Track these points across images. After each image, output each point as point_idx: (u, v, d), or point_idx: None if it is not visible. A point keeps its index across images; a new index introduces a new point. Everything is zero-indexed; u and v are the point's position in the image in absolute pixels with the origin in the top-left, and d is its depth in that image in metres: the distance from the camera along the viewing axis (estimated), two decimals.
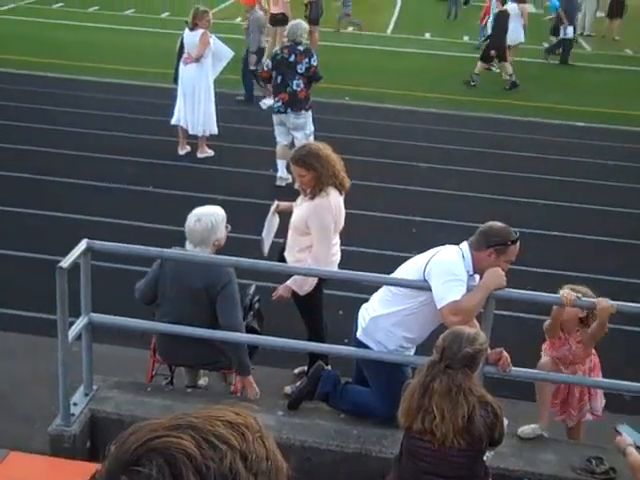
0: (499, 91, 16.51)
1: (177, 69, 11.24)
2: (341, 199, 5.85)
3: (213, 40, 10.95)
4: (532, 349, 5.40)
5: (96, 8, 22.50)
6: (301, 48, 9.87)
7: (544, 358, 5.23)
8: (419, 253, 5.11)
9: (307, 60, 9.78)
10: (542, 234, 9.26)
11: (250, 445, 1.21)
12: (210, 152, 11.27)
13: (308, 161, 5.69)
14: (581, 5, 21.65)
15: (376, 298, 5.23)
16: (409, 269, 5.04)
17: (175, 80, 11.32)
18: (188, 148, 11.29)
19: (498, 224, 4.97)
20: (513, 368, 4.93)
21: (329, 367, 5.58)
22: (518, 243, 4.89)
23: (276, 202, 6.32)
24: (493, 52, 16.76)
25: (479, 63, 16.94)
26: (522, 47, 17.96)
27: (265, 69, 10.24)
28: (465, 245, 4.92)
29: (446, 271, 4.79)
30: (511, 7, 17.22)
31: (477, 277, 4.96)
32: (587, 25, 23.34)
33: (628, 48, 21.40)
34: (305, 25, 10.31)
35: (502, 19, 16.78)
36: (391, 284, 5.12)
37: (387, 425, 5.01)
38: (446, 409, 3.89)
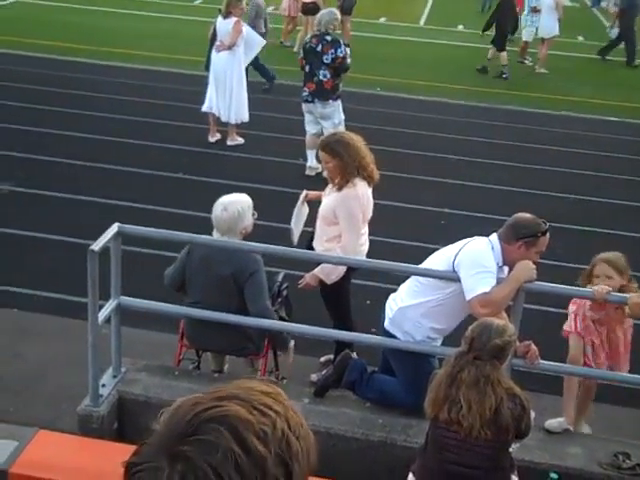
0: (531, 84, 16.40)
1: (209, 57, 11.26)
2: (369, 190, 5.84)
3: (245, 28, 10.96)
4: (560, 343, 5.37)
5: None
6: (329, 38, 9.79)
7: (572, 341, 5.21)
8: (448, 245, 5.10)
9: (333, 51, 9.69)
10: (573, 229, 9.20)
11: (288, 412, 1.25)
12: (240, 140, 11.30)
13: (335, 148, 5.69)
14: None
15: (404, 288, 5.23)
16: (438, 260, 5.03)
17: (207, 67, 11.35)
18: (218, 136, 11.32)
19: (527, 215, 4.95)
20: (541, 361, 4.91)
21: (354, 355, 5.60)
22: (548, 234, 4.86)
23: (305, 191, 6.33)
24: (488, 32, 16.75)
25: (500, 54, 16.83)
26: (557, 40, 17.78)
27: (299, 57, 10.25)
28: (495, 237, 4.90)
29: (476, 262, 4.78)
30: (546, 0, 17.08)
31: (506, 269, 4.94)
32: None
33: None
34: (335, 15, 10.14)
35: (504, 5, 16.63)
36: (420, 274, 5.12)
37: (413, 415, 5.02)
38: (473, 400, 3.89)
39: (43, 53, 15.37)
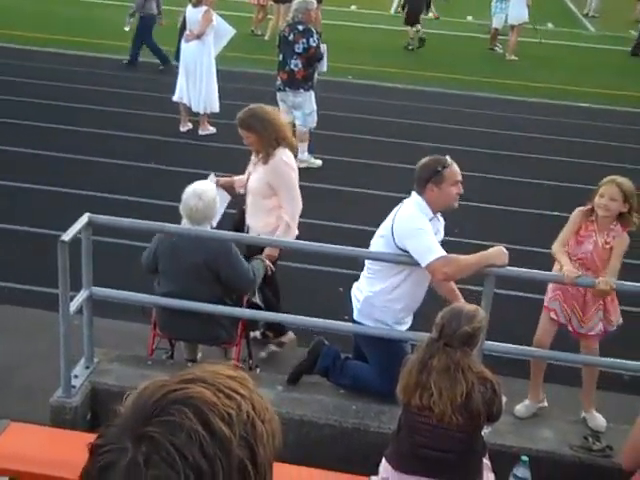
0: (503, 71, 16.47)
1: (179, 46, 11.21)
2: (293, 157, 5.95)
3: (215, 17, 10.91)
4: (530, 327, 5.41)
5: None
6: (300, 27, 9.75)
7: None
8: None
9: (305, 40, 9.67)
10: (545, 214, 9.26)
11: (254, 395, 1.25)
12: (212, 129, 11.25)
13: (251, 123, 5.80)
14: None
15: (363, 278, 5.25)
16: (379, 242, 5.03)
17: (177, 57, 11.29)
18: (190, 125, 11.27)
19: (427, 159, 5.03)
20: (510, 345, 4.96)
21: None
22: (454, 165, 4.92)
23: (213, 176, 6.29)
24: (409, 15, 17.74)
25: (409, 29, 17.86)
26: (527, 27, 17.86)
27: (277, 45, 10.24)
28: (414, 194, 4.97)
29: (413, 229, 4.82)
30: None
31: (441, 218, 5.04)
32: (593, 6, 23.23)
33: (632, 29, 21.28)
34: (307, 4, 9.98)
35: None
36: (372, 258, 5.10)
37: (386, 401, 5.04)
38: (444, 386, 3.90)
39: (8, 43, 15.21)
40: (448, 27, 20.16)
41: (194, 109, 11.02)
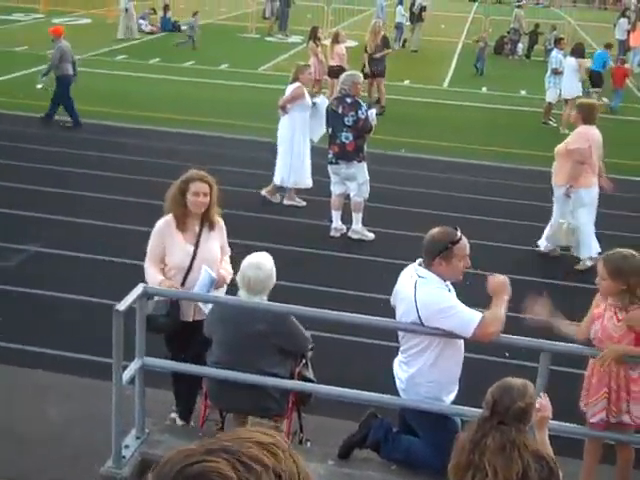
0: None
1: None
2: None
3: (320, 99, 11.10)
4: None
5: (157, 60, 23.00)
6: (349, 100, 9.81)
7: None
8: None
9: (354, 113, 9.72)
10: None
11: (282, 463, 1.24)
12: (300, 202, 11.33)
13: (212, 183, 5.81)
14: None
15: (401, 358, 5.20)
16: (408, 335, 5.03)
17: None
18: (278, 198, 11.36)
19: (435, 231, 4.96)
20: (562, 423, 4.84)
21: None
22: (464, 239, 4.85)
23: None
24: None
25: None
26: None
27: None
28: (422, 271, 4.91)
29: (442, 305, 4.79)
30: (569, 61, 17.23)
31: (449, 284, 4.95)
32: None
33: None
34: (354, 76, 10.10)
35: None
36: (420, 332, 5.02)
37: (438, 478, 4.93)
38: (499, 466, 3.79)
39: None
40: (502, 101, 20.27)
41: (277, 182, 11.09)
